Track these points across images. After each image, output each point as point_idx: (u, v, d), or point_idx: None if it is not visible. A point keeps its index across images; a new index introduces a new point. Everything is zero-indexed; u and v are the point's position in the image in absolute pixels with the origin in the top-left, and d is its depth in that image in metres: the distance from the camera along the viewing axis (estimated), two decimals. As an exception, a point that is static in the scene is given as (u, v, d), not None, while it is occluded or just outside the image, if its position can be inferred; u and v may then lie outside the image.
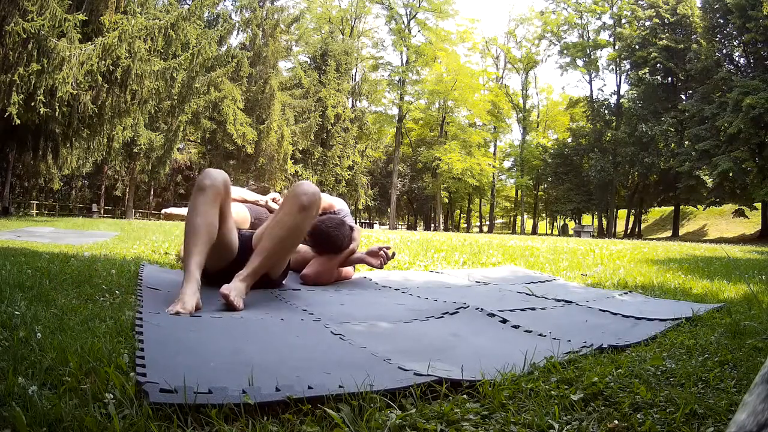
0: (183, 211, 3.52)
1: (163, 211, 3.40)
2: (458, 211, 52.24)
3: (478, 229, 48.42)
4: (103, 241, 5.39)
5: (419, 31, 39.47)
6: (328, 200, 2.93)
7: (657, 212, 42.32)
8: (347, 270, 2.85)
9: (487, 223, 48.43)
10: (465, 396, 1.05)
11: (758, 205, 28.47)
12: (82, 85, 12.07)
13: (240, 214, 2.70)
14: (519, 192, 43.99)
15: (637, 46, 34.07)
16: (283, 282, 2.43)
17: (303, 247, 2.80)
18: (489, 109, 40.42)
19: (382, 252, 2.75)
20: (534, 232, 42.45)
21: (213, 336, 1.42)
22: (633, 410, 0.97)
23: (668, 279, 3.35)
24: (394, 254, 2.83)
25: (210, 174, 2.02)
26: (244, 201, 2.88)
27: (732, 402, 0.99)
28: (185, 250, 1.90)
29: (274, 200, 2.85)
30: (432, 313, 1.93)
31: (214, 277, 2.12)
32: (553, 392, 1.05)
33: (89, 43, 12.29)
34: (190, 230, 1.91)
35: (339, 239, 2.58)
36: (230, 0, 33.75)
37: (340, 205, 2.99)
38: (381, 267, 2.80)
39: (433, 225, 42.52)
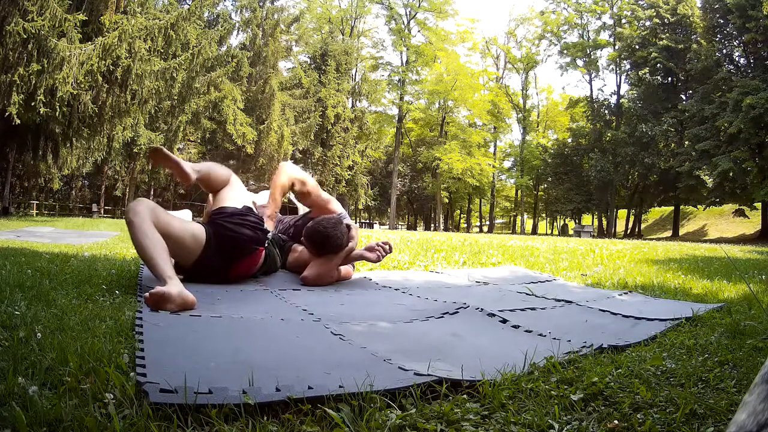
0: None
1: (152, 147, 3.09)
2: (458, 211, 52.20)
3: (478, 229, 48.38)
4: (103, 241, 5.39)
5: (419, 31, 39.44)
6: (325, 197, 2.92)
7: (657, 212, 42.30)
8: (347, 270, 2.86)
9: (487, 223, 48.39)
10: (465, 396, 1.05)
11: (758, 205, 28.46)
12: (82, 85, 12.08)
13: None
14: (519, 192, 43.95)
15: (637, 46, 34.04)
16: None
17: (302, 248, 2.80)
18: (489, 109, 40.38)
19: (378, 247, 2.77)
20: (534, 232, 42.42)
21: (213, 336, 1.42)
22: (633, 410, 0.97)
23: (668, 279, 3.35)
24: (391, 249, 2.85)
25: (132, 208, 2.04)
26: None
27: (732, 402, 0.99)
28: (150, 266, 1.92)
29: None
30: (432, 313, 1.93)
31: (192, 270, 2.25)
32: (553, 392, 1.05)
33: (89, 43, 12.30)
34: (144, 251, 1.94)
35: (338, 238, 2.58)
36: (230, 0, 33.79)
37: (337, 208, 2.99)
38: (378, 260, 2.82)
39: (433, 225, 42.50)
